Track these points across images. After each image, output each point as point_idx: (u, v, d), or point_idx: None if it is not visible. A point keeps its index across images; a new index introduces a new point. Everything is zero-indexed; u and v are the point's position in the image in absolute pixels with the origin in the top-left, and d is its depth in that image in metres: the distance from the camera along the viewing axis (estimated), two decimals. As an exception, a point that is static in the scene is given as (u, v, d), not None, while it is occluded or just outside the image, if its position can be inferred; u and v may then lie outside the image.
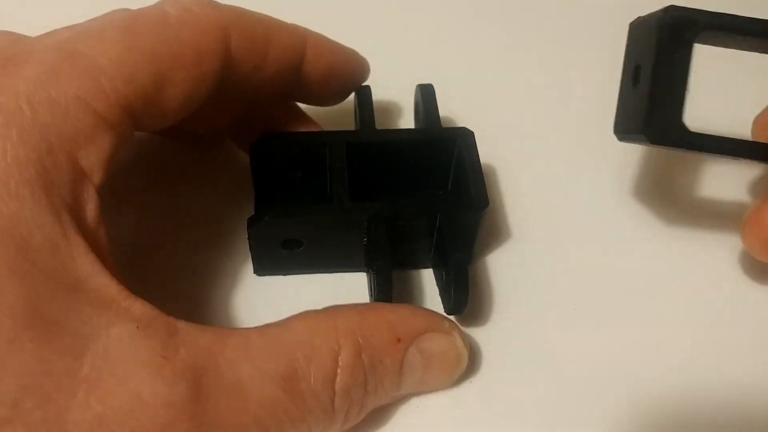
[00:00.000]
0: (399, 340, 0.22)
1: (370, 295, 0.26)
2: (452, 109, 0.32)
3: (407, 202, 0.27)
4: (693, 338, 0.26)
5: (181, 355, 0.19)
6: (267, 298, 0.27)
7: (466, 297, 0.24)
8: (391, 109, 0.33)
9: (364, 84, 0.29)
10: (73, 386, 0.17)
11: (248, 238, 0.25)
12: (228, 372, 0.19)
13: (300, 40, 0.26)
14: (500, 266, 0.28)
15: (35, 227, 0.18)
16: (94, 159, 0.20)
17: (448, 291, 0.24)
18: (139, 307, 0.19)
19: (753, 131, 0.28)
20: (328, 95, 0.28)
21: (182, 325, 0.19)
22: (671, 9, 0.22)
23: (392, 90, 0.33)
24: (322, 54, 0.26)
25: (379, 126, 0.28)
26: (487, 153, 0.27)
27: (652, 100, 0.22)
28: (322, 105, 0.29)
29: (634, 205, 0.30)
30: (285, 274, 0.27)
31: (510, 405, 0.24)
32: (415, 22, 0.38)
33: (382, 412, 0.24)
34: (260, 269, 0.27)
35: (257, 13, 0.25)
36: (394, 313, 0.23)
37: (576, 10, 0.39)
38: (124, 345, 0.18)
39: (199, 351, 0.19)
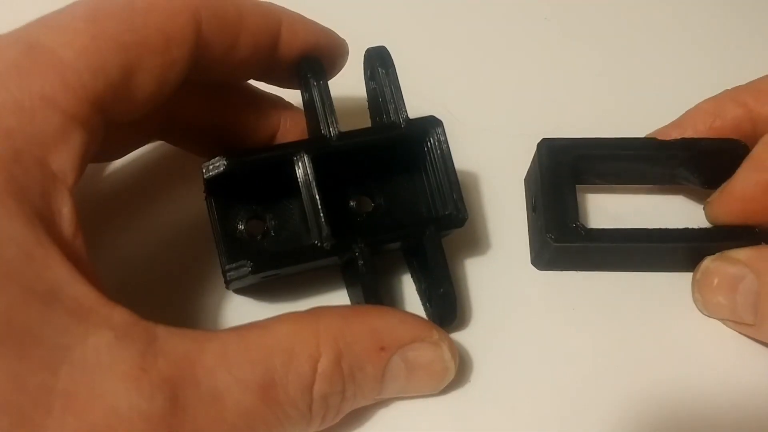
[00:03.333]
0: (383, 348, 0.22)
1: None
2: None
3: (387, 233, 0.25)
4: (688, 340, 0.27)
5: (159, 366, 0.18)
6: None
7: (455, 308, 0.25)
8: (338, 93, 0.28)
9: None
10: (49, 402, 0.17)
11: (225, 282, 0.24)
12: (206, 381, 0.19)
13: (274, 20, 0.24)
14: (479, 269, 0.28)
15: (7, 238, 0.17)
16: (65, 160, 0.19)
17: (437, 303, 0.25)
18: (117, 314, 0.18)
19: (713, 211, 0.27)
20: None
21: (161, 331, 0.19)
22: (543, 140, 0.28)
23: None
24: (298, 35, 0.25)
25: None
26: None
27: (546, 214, 0.26)
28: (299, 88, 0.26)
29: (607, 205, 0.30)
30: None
31: (491, 411, 0.25)
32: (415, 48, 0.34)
33: (363, 412, 0.24)
34: (238, 292, 0.26)
35: None
36: (380, 320, 0.23)
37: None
38: (101, 356, 0.18)
39: (177, 359, 0.19)
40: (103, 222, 0.27)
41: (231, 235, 0.25)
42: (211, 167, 0.23)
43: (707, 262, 0.26)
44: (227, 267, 0.24)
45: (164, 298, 0.26)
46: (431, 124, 0.25)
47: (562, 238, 0.26)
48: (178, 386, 0.18)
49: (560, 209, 0.26)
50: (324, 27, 0.26)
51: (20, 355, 0.17)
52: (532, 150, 0.29)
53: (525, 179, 0.30)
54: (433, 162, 0.25)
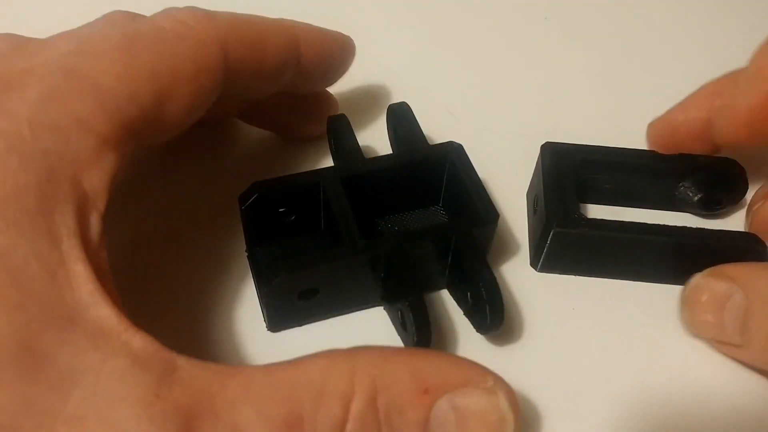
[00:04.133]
0: (426, 391, 0.19)
1: (399, 331, 0.25)
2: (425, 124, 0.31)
3: (420, 230, 0.26)
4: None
5: (175, 394, 0.17)
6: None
7: (502, 312, 0.24)
8: (359, 131, 0.32)
9: (339, 113, 0.29)
10: (54, 427, 0.16)
11: (260, 298, 0.24)
12: (225, 415, 0.18)
13: (292, 36, 0.26)
14: (515, 276, 0.28)
15: (32, 257, 0.17)
16: (97, 181, 0.19)
17: (481, 308, 0.24)
18: (138, 340, 0.18)
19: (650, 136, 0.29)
20: (323, 81, 0.29)
21: (182, 362, 0.18)
22: (546, 143, 0.28)
23: (357, 112, 0.32)
24: (314, 45, 0.26)
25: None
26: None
27: (548, 207, 0.26)
28: (318, 89, 0.30)
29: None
30: (300, 325, 0.26)
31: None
32: (415, 49, 0.37)
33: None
34: (275, 325, 0.25)
35: (249, 16, 0.25)
36: (425, 361, 0.20)
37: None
38: (115, 382, 0.17)
39: (196, 391, 0.18)
40: (136, 248, 0.27)
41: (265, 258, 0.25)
42: (246, 196, 0.25)
43: (696, 279, 0.25)
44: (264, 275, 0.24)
45: (204, 336, 0.25)
46: (451, 145, 0.27)
47: (564, 223, 0.26)
48: (194, 417, 0.17)
49: (562, 202, 0.27)
50: (332, 31, 0.28)
51: (32, 377, 0.16)
52: (531, 150, 0.29)
53: (527, 192, 0.30)
54: (457, 177, 0.26)
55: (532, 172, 0.30)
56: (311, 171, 0.26)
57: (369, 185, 0.26)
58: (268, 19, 0.26)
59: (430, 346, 0.23)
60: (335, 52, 0.28)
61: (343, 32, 0.29)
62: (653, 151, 0.29)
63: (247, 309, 0.26)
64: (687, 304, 0.25)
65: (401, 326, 0.25)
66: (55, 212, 0.18)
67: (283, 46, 0.25)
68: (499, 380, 0.20)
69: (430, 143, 0.28)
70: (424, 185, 0.27)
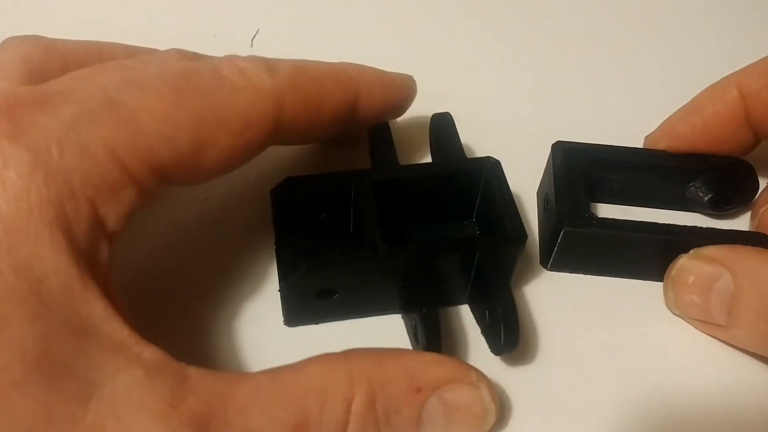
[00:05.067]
0: (419, 389, 0.21)
1: (412, 340, 0.25)
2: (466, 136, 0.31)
3: (443, 242, 0.26)
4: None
5: (189, 404, 0.18)
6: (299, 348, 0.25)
7: (517, 336, 0.23)
8: (401, 139, 0.32)
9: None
10: None
11: (280, 291, 0.24)
12: (237, 420, 0.19)
13: (352, 91, 0.25)
14: (538, 299, 0.27)
15: (51, 269, 0.17)
16: (113, 210, 0.19)
17: (496, 329, 0.23)
18: (149, 353, 0.18)
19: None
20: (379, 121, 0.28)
21: (192, 371, 0.19)
22: (558, 142, 0.28)
23: (404, 120, 0.32)
24: (375, 97, 0.26)
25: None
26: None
27: (559, 204, 0.27)
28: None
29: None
30: (316, 323, 0.26)
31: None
32: (421, 50, 0.37)
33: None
34: (291, 320, 0.26)
35: (311, 68, 0.24)
36: (415, 360, 0.22)
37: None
38: (131, 392, 0.18)
39: (208, 398, 0.18)
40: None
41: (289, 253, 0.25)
42: (278, 191, 0.25)
43: (683, 260, 0.25)
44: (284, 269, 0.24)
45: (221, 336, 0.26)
46: (488, 160, 0.26)
47: (574, 222, 0.26)
48: (209, 423, 0.18)
49: (573, 201, 0.27)
50: (395, 76, 0.28)
51: (53, 385, 0.17)
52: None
53: (537, 191, 0.30)
54: (491, 193, 0.26)
55: (542, 171, 0.29)
56: (345, 172, 0.27)
57: (402, 192, 0.26)
58: (329, 67, 0.25)
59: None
60: (394, 100, 0.28)
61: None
62: (663, 151, 0.29)
63: (268, 302, 0.26)
64: (673, 285, 0.26)
65: (413, 337, 0.24)
66: (72, 229, 0.18)
67: (342, 100, 0.25)
68: (481, 375, 0.22)
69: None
70: (458, 198, 0.27)
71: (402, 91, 0.28)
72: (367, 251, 0.24)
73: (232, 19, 0.38)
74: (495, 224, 0.26)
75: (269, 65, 0.23)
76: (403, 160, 0.28)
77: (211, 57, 0.24)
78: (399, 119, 0.30)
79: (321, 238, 0.27)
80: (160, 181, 0.20)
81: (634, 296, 0.27)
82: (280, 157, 0.30)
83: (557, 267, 0.28)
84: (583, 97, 0.35)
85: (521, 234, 0.24)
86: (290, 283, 0.24)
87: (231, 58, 0.23)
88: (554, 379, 0.25)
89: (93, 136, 0.19)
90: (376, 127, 0.28)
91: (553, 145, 0.29)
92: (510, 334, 0.23)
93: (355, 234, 0.27)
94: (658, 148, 0.29)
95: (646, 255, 0.27)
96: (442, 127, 0.28)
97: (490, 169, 0.26)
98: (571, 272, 0.28)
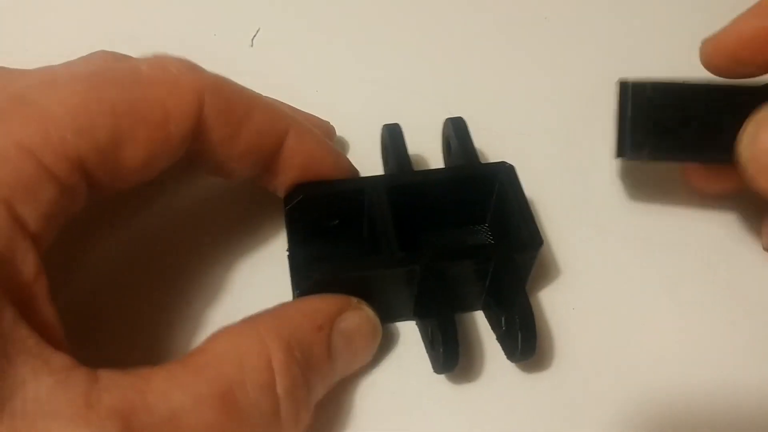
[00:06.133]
0: (320, 327, 0.22)
1: (427, 347, 0.25)
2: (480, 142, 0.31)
3: (459, 248, 0.26)
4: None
5: (105, 401, 0.17)
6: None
7: (535, 343, 0.23)
8: (414, 143, 0.32)
9: (393, 122, 0.28)
10: None
11: (294, 298, 0.24)
12: (159, 404, 0.18)
13: (282, 127, 0.24)
14: (553, 305, 0.27)
15: None
16: (32, 209, 0.18)
17: (513, 336, 0.23)
18: (58, 359, 0.18)
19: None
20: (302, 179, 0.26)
21: (103, 373, 0.18)
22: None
23: (413, 124, 0.32)
24: (304, 146, 0.25)
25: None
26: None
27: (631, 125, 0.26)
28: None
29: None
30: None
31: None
32: (433, 55, 0.37)
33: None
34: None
35: (245, 88, 0.24)
36: (307, 305, 0.23)
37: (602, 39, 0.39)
38: (43, 402, 0.17)
39: (124, 392, 0.18)
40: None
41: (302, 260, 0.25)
42: (291, 196, 0.25)
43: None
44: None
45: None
46: (503, 165, 0.26)
47: (640, 82, 0.26)
48: (130, 414, 0.18)
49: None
50: (330, 147, 0.26)
51: None
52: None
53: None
54: (506, 198, 0.26)
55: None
56: (358, 177, 0.26)
57: (415, 197, 0.26)
58: (266, 98, 0.24)
59: (457, 368, 0.23)
60: (323, 163, 0.25)
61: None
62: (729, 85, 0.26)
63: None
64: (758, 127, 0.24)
65: (429, 343, 0.24)
66: None
67: (267, 129, 0.24)
68: (358, 299, 0.24)
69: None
70: (472, 203, 0.27)
71: (334, 159, 0.26)
72: (382, 258, 0.24)
73: (232, 19, 0.38)
74: (510, 229, 0.25)
75: (194, 65, 0.22)
76: (417, 165, 0.28)
77: (137, 58, 0.23)
78: (411, 124, 0.29)
79: (334, 244, 0.27)
80: (83, 178, 0.20)
81: (640, 296, 0.27)
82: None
83: (636, 150, 0.26)
84: (601, 102, 0.33)
85: (537, 239, 0.24)
86: (303, 290, 0.24)
87: (155, 56, 0.22)
88: (567, 384, 0.25)
89: (2, 134, 0.18)
90: (390, 131, 0.28)
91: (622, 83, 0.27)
92: (527, 342, 0.23)
93: (369, 239, 0.27)
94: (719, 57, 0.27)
95: (720, 113, 0.25)
96: (455, 132, 0.28)
97: (505, 174, 0.26)
98: (650, 158, 0.26)
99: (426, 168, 0.30)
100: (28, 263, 0.18)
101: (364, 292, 0.24)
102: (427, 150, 0.31)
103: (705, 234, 0.29)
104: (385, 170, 0.27)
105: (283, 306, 0.23)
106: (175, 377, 0.19)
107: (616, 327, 0.26)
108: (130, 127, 0.20)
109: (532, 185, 0.27)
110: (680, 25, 0.39)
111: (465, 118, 0.29)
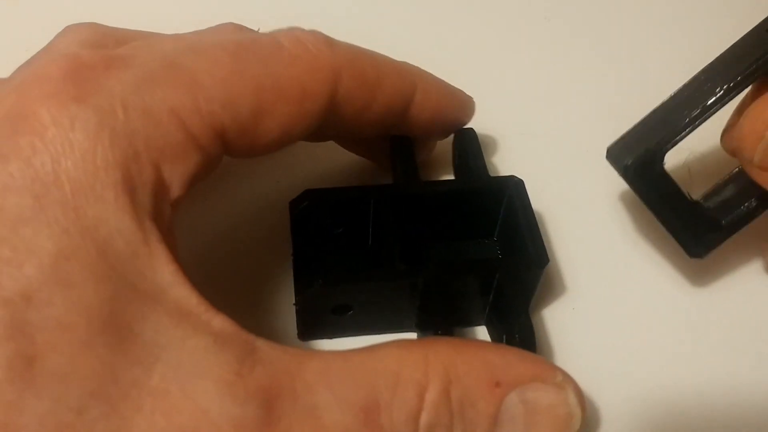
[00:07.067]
0: (498, 384, 0.20)
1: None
2: (486, 149, 0.31)
3: (462, 262, 0.25)
4: None
5: (256, 374, 0.17)
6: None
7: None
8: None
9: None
10: (140, 398, 0.16)
11: (296, 305, 0.24)
12: (304, 396, 0.18)
13: (410, 84, 0.25)
14: (557, 321, 0.26)
15: (117, 232, 0.17)
16: (177, 174, 0.19)
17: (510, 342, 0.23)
18: (219, 321, 0.18)
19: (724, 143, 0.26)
20: (429, 135, 0.28)
21: (261, 344, 0.18)
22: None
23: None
24: (430, 99, 0.26)
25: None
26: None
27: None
28: (421, 140, 0.28)
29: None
30: (331, 338, 0.26)
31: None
32: (442, 63, 0.37)
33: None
34: (306, 334, 0.25)
35: (371, 53, 0.24)
36: (495, 354, 0.20)
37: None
38: (197, 358, 0.17)
39: (276, 371, 0.18)
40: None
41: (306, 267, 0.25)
42: (297, 201, 0.25)
43: None
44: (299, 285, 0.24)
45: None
46: (512, 180, 0.26)
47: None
48: (275, 396, 0.18)
49: None
50: (454, 88, 0.27)
51: (118, 348, 0.16)
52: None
53: None
54: (514, 213, 0.25)
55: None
56: (365, 186, 0.26)
57: (422, 208, 0.26)
58: (391, 60, 0.25)
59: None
60: (450, 112, 0.27)
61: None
62: None
63: (283, 315, 0.26)
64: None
65: None
66: (136, 192, 0.18)
67: (398, 90, 0.25)
68: (567, 376, 0.21)
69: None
70: (480, 216, 0.27)
71: (459, 105, 0.27)
72: (385, 269, 0.24)
73: (231, 19, 0.38)
74: (517, 245, 0.25)
75: (329, 40, 0.23)
76: (425, 175, 0.28)
77: (272, 31, 0.24)
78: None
79: (339, 252, 0.27)
80: (222, 146, 0.20)
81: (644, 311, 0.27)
82: (300, 168, 0.30)
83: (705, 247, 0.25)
84: (613, 114, 0.34)
85: (543, 257, 0.24)
86: (306, 298, 0.23)
87: (291, 30, 0.23)
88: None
89: (156, 99, 0.19)
90: (398, 141, 0.28)
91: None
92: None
93: (374, 248, 0.27)
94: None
95: None
96: (465, 144, 0.28)
97: (514, 188, 0.26)
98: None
99: (434, 179, 0.30)
100: (167, 226, 0.19)
101: (364, 302, 0.24)
102: (436, 159, 0.31)
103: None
104: (393, 181, 0.27)
105: (468, 343, 0.21)
106: (329, 372, 0.19)
107: (618, 344, 0.26)
108: (269, 102, 0.21)
109: (538, 195, 0.27)
110: (680, 24, 0.38)
111: (482, 131, 0.28)
